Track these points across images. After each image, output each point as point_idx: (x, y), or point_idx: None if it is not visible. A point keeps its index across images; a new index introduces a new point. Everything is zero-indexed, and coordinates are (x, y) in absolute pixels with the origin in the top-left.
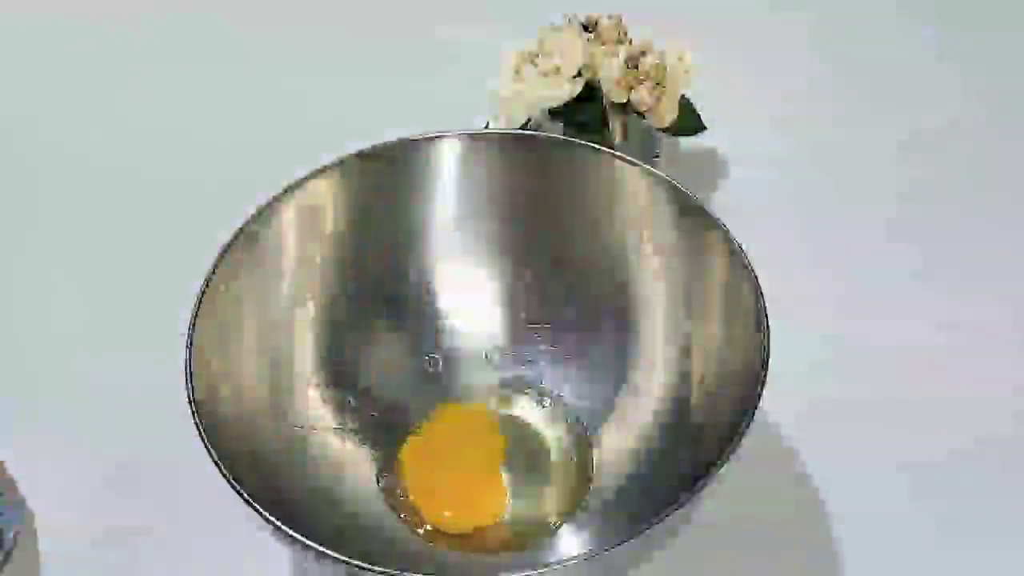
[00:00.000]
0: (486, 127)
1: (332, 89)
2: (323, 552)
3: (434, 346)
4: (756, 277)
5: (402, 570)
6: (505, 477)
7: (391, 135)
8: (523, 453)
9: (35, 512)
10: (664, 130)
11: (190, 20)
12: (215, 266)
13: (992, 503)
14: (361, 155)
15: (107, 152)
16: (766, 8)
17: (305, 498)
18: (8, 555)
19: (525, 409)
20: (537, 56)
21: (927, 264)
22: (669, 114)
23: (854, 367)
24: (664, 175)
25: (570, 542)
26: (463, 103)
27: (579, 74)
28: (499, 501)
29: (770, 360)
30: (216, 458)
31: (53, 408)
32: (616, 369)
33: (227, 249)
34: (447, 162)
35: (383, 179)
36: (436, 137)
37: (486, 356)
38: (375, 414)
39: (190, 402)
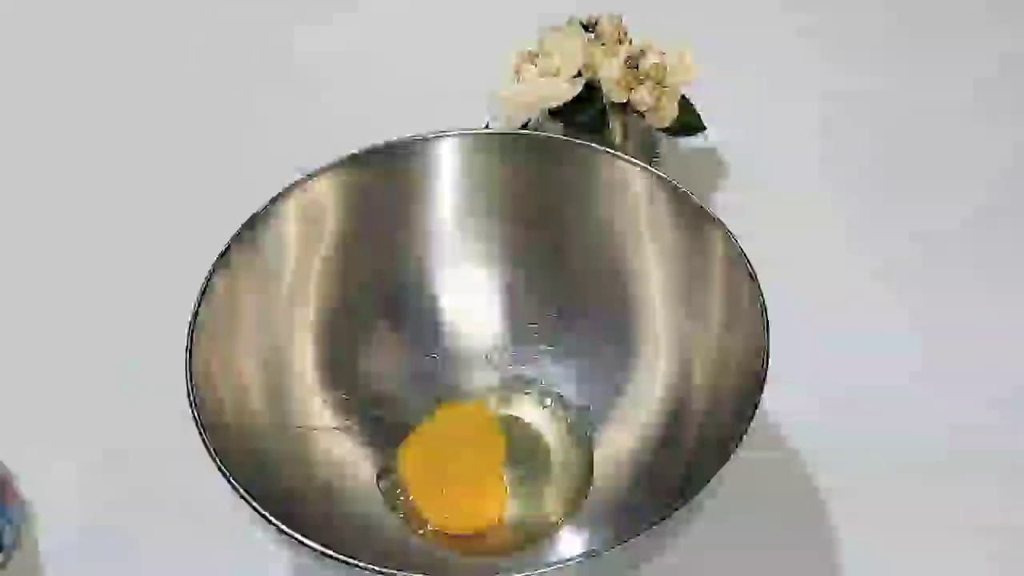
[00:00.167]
0: (486, 127)
1: (332, 89)
2: (323, 552)
3: (434, 346)
4: (756, 277)
5: (402, 570)
6: (505, 477)
7: (391, 135)
8: (523, 453)
9: (36, 512)
10: (664, 130)
11: (190, 17)
12: (215, 266)
13: (994, 503)
14: (361, 155)
15: (108, 152)
16: (766, 8)
17: (305, 498)
18: (8, 555)
19: (525, 409)
20: (537, 56)
21: (927, 264)
22: (669, 114)
23: (855, 367)
24: (664, 175)
25: (570, 542)
26: (463, 103)
27: (579, 74)
28: (499, 501)
29: (770, 360)
30: (216, 458)
31: (53, 408)
32: (616, 368)
33: (227, 249)
34: (447, 162)
35: (383, 179)
36: (436, 137)
37: (486, 356)
38: (375, 414)
39: (191, 403)
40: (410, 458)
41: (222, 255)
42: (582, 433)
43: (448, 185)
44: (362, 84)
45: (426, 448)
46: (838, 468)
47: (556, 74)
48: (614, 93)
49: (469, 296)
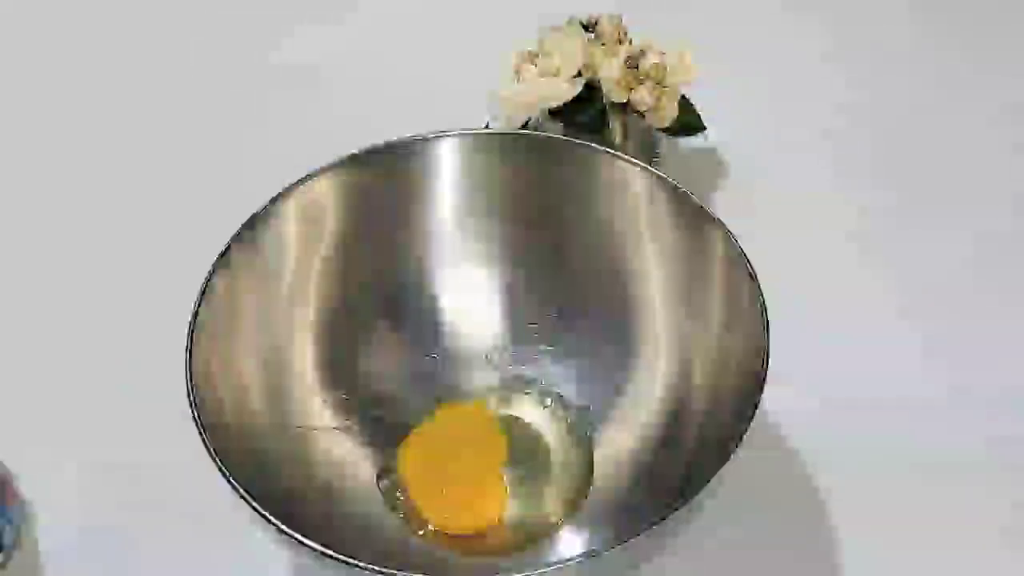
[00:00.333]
0: (486, 127)
1: (332, 88)
2: (323, 552)
3: (434, 346)
4: (756, 277)
5: (402, 570)
6: (505, 477)
7: (391, 135)
8: (523, 453)
9: (35, 512)
10: (664, 130)
11: (189, 18)
12: (215, 266)
13: (995, 503)
14: (361, 155)
15: (107, 153)
16: (766, 8)
17: (305, 498)
18: (8, 555)
19: (525, 409)
20: (537, 56)
21: (927, 264)
22: (669, 114)
23: (855, 367)
24: (664, 175)
25: (570, 542)
26: (463, 103)
27: (579, 74)
28: (499, 502)
29: (770, 360)
30: (216, 458)
31: (53, 408)
32: (616, 368)
33: (227, 249)
34: (447, 162)
35: (383, 179)
36: (436, 137)
37: (486, 356)
38: (375, 414)
39: (191, 403)
40: (410, 458)
41: (222, 255)
42: (582, 433)
43: (448, 185)
44: (362, 84)
45: (426, 448)
46: (838, 468)
47: (556, 74)
48: (614, 93)
49: (469, 296)
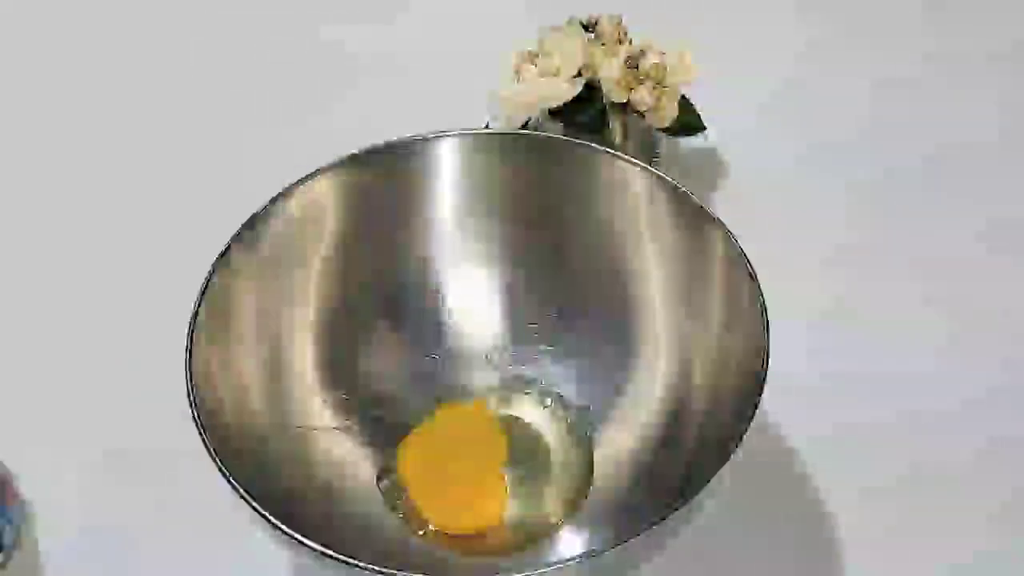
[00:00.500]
0: (486, 127)
1: (331, 88)
2: (323, 552)
3: (434, 346)
4: (756, 277)
5: (402, 570)
6: (506, 477)
7: (391, 135)
8: (523, 453)
9: (35, 512)
10: (664, 130)
11: (191, 20)
12: (215, 266)
13: (995, 503)
14: (361, 155)
15: (107, 153)
16: (766, 8)
17: (305, 498)
18: (8, 555)
19: (525, 409)
20: (537, 56)
21: (928, 263)
22: (669, 114)
23: (855, 367)
24: (664, 175)
25: (570, 542)
26: (463, 103)
27: (579, 74)
28: (500, 502)
29: (770, 360)
30: (216, 458)
31: (53, 408)
32: (616, 368)
33: (227, 249)
34: (447, 162)
35: (383, 179)
36: (436, 137)
37: (486, 356)
38: (375, 414)
39: (191, 403)
40: (410, 458)
41: (222, 255)
42: (582, 433)
43: (448, 185)
44: (362, 84)
45: (426, 448)
46: (838, 468)
47: (556, 74)
48: (614, 93)
49: (469, 296)
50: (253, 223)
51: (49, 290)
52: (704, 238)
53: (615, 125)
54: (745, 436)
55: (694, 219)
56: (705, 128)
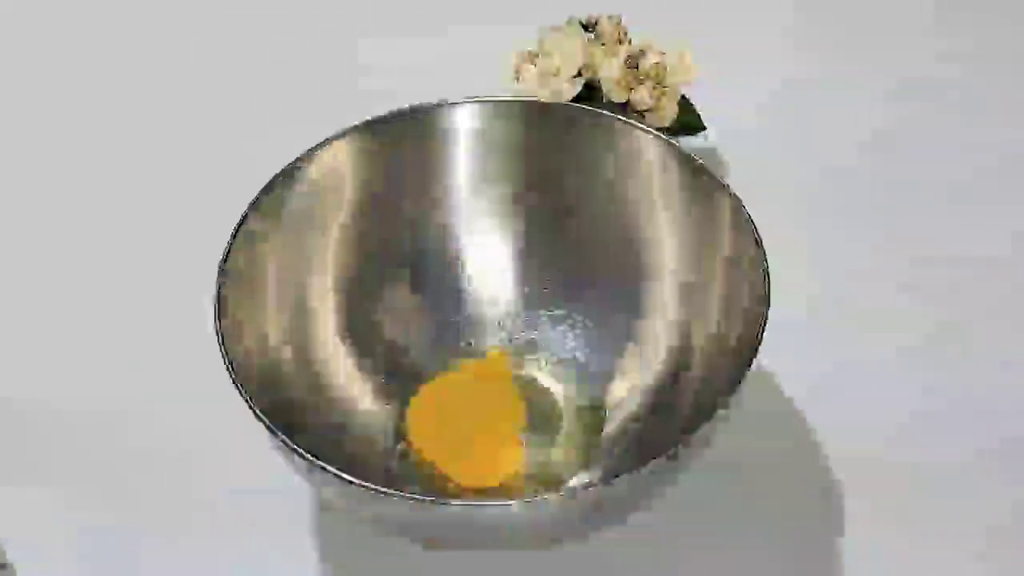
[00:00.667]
0: None
1: (332, 89)
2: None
3: (451, 310)
4: (762, 243)
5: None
6: (520, 433)
7: None
8: (536, 414)
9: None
10: (664, 130)
11: (193, 20)
12: (236, 231)
13: (996, 501)
14: (379, 120)
15: (108, 153)
16: (766, 8)
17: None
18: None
19: (537, 372)
20: (537, 56)
21: (929, 263)
22: (669, 114)
23: (856, 365)
24: (677, 143)
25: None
26: None
27: (579, 74)
28: (517, 454)
29: (770, 359)
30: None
31: (54, 400)
32: (626, 332)
33: (246, 215)
34: (464, 129)
35: (401, 145)
36: (454, 104)
37: (499, 322)
38: (394, 378)
39: (222, 352)
40: (421, 417)
41: (241, 222)
42: (592, 395)
43: (465, 152)
44: (362, 84)
45: (438, 405)
46: (840, 466)
47: (556, 74)
48: (614, 93)
49: (483, 262)
50: (276, 184)
51: (48, 290)
52: (714, 206)
53: None
54: (743, 389)
55: (706, 187)
56: (705, 128)
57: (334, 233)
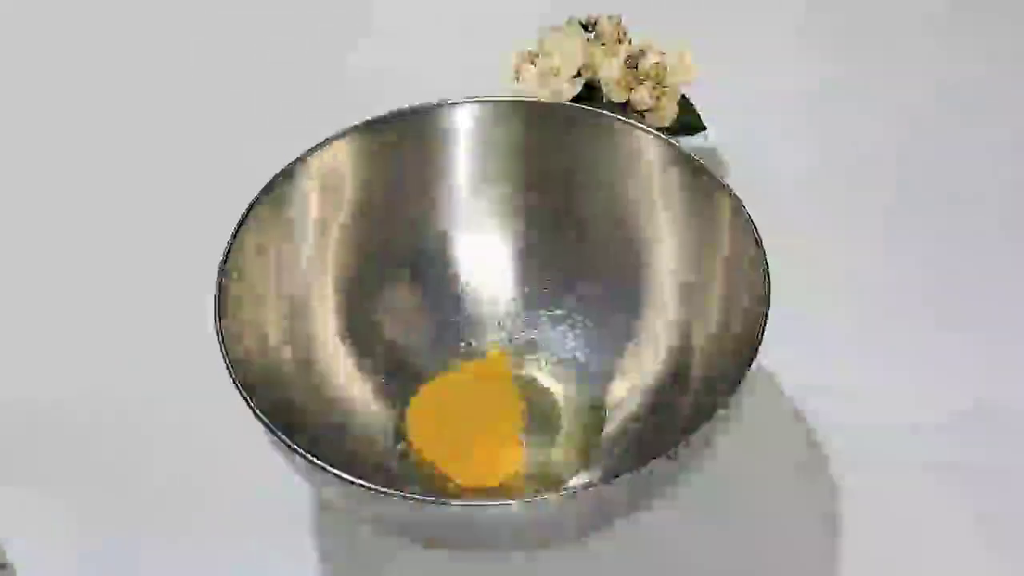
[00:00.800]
0: None
1: (331, 88)
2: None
3: (451, 310)
4: (762, 243)
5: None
6: (520, 433)
7: None
8: (536, 414)
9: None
10: (664, 130)
11: (194, 20)
12: (237, 228)
13: (996, 501)
14: (379, 120)
15: (109, 153)
16: (766, 8)
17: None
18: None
19: (538, 371)
20: (537, 56)
21: (929, 261)
22: (669, 114)
23: (856, 364)
24: (677, 143)
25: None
26: None
27: (579, 74)
28: (517, 454)
29: (771, 359)
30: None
31: (55, 401)
32: (626, 332)
33: (247, 214)
34: (464, 128)
35: (401, 145)
36: (454, 104)
37: (499, 323)
38: (390, 380)
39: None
40: (421, 417)
41: (242, 221)
42: (592, 395)
43: (465, 151)
44: (362, 84)
45: (439, 402)
46: (840, 466)
47: (556, 74)
48: (614, 93)
49: (484, 261)
50: (276, 184)
51: (50, 289)
52: (714, 206)
53: None
54: (743, 390)
55: (706, 187)
56: (705, 128)
57: (334, 233)
